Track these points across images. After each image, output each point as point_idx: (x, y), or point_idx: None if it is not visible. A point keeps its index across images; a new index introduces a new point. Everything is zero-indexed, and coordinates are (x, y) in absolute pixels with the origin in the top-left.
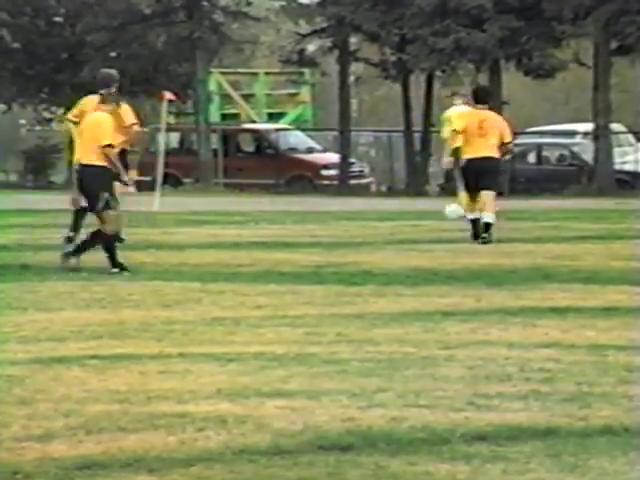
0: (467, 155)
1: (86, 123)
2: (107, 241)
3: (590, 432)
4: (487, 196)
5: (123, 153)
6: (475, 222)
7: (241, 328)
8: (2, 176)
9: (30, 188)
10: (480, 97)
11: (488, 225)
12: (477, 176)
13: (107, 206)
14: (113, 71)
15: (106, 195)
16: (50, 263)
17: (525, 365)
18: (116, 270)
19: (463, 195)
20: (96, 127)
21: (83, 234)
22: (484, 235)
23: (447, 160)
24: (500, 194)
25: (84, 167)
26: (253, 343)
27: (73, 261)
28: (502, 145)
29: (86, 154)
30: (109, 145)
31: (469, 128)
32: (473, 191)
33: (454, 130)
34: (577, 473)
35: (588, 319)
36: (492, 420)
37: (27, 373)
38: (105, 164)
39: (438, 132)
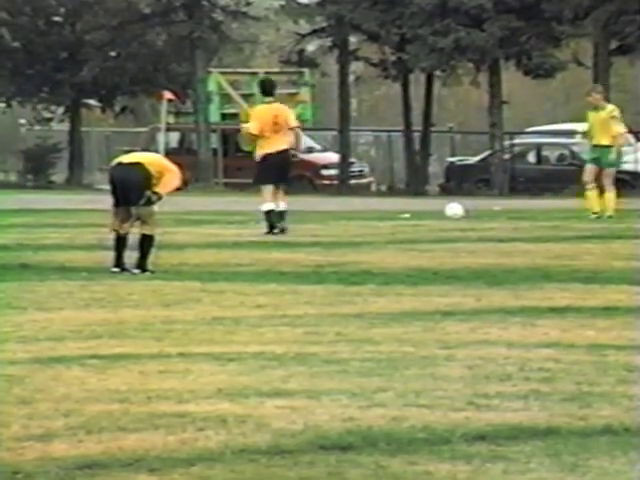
0: (264, 150)
1: None
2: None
3: (590, 432)
4: (282, 188)
5: None
6: (270, 213)
7: (241, 328)
8: (2, 176)
9: (30, 188)
10: (267, 90)
11: (283, 213)
12: (275, 170)
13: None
14: None
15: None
16: (49, 263)
17: (525, 365)
18: (117, 270)
19: (266, 188)
20: None
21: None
22: (282, 224)
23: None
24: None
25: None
26: (253, 343)
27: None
28: (290, 130)
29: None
30: None
31: (264, 126)
32: (271, 183)
33: (251, 133)
34: (577, 473)
35: (588, 319)
36: (492, 420)
37: (27, 373)
38: None
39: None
